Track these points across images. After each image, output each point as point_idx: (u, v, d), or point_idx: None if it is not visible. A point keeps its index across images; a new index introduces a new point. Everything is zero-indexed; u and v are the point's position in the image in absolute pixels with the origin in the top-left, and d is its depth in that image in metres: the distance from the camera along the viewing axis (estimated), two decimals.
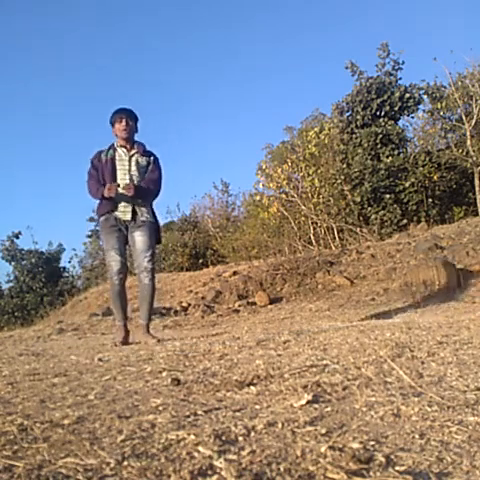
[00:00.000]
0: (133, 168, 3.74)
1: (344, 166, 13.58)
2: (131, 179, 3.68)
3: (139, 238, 3.64)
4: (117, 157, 3.74)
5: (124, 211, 3.67)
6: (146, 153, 3.80)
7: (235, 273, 8.94)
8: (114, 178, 3.67)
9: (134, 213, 3.68)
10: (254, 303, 7.18)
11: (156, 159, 3.83)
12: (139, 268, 3.65)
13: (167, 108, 43.43)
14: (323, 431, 1.08)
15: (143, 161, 3.78)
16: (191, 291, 8.74)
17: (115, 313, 3.79)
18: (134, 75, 46.03)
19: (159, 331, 5.79)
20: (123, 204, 3.66)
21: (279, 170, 14.56)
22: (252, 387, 1.54)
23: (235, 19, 45.07)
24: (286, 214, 14.30)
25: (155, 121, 38.56)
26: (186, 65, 44.39)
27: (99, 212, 3.74)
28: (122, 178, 3.68)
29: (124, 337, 3.63)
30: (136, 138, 3.88)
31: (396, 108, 14.19)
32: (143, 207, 3.71)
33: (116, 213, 3.67)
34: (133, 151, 3.77)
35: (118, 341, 3.56)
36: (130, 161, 3.75)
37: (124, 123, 3.72)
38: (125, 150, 3.76)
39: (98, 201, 3.74)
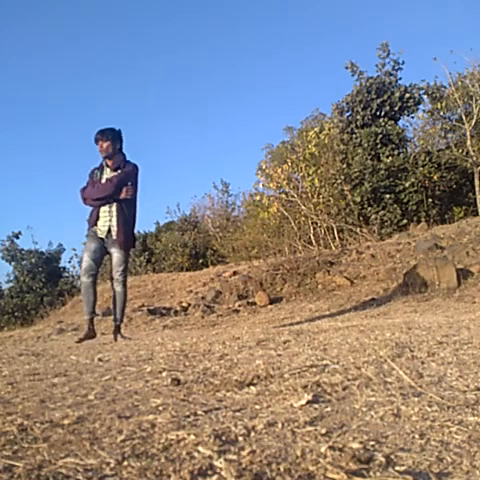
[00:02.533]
0: None
1: (344, 166, 13.58)
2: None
3: (114, 255, 4.29)
4: (104, 175, 4.32)
5: (101, 229, 4.29)
6: (116, 169, 4.31)
7: (235, 273, 8.94)
8: None
9: (108, 232, 4.28)
10: (254, 303, 7.18)
11: (123, 170, 4.31)
12: (113, 279, 4.33)
13: (167, 108, 43.43)
14: (323, 431, 1.08)
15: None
16: (191, 291, 8.74)
17: (84, 307, 4.39)
18: (135, 75, 46.03)
19: (159, 331, 5.80)
20: (101, 223, 4.28)
21: (279, 170, 14.55)
22: (252, 387, 1.54)
23: (236, 18, 45.08)
24: (286, 214, 14.29)
25: (155, 121, 38.57)
26: (186, 64, 44.38)
27: (89, 223, 4.37)
28: None
29: (86, 334, 4.26)
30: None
31: (396, 108, 14.19)
32: (116, 229, 4.24)
33: (96, 228, 4.30)
34: (109, 170, 4.33)
35: (79, 338, 4.26)
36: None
37: (99, 146, 4.28)
38: (108, 169, 4.33)
39: (89, 216, 4.39)
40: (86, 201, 4.33)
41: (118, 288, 4.31)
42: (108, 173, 4.31)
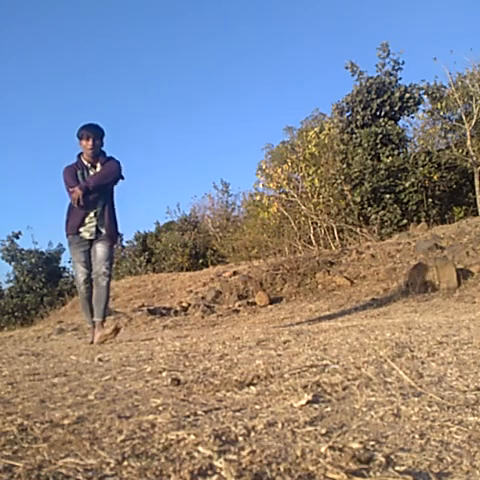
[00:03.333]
0: None
1: (344, 166, 13.58)
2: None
3: (99, 249, 4.08)
4: (91, 173, 4.09)
5: (90, 230, 4.08)
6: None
7: (235, 273, 8.94)
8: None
9: (97, 231, 4.10)
10: (254, 303, 7.18)
11: (108, 164, 4.12)
12: (97, 274, 4.07)
13: (167, 108, 43.44)
14: (323, 431, 1.08)
15: None
16: (191, 291, 8.74)
17: (85, 317, 4.27)
18: (134, 75, 46.02)
19: (159, 331, 5.80)
20: (87, 225, 4.08)
21: (279, 170, 14.55)
22: (252, 387, 1.54)
23: (236, 17, 45.07)
24: (286, 214, 14.29)
25: (155, 121, 38.58)
26: (186, 64, 44.39)
27: (67, 232, 4.15)
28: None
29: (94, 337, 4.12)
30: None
31: (396, 108, 14.18)
32: (104, 224, 4.10)
33: (82, 234, 4.09)
34: (98, 168, 4.09)
35: (92, 341, 4.06)
36: None
37: (91, 142, 3.98)
38: (93, 169, 4.09)
39: (66, 220, 4.16)
40: (79, 202, 3.95)
41: (104, 282, 4.05)
42: (93, 172, 4.08)
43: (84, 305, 4.19)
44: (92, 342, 4.00)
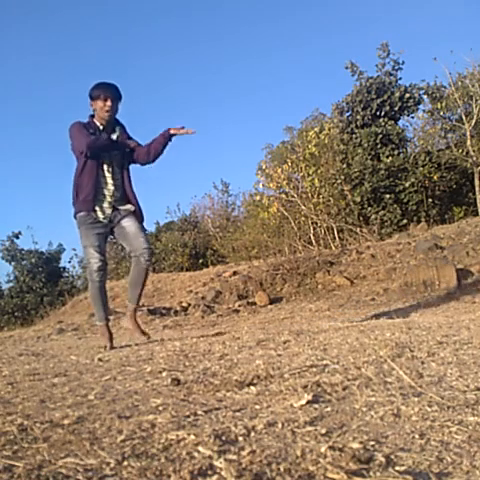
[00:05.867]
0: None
1: (344, 166, 13.58)
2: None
3: (129, 224, 3.39)
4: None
5: (106, 212, 3.39)
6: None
7: (235, 273, 8.94)
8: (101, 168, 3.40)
9: (115, 209, 3.42)
10: (254, 303, 7.18)
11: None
12: (137, 251, 3.36)
13: (167, 108, 43.42)
14: (323, 431, 1.08)
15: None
16: (191, 291, 8.74)
17: (96, 312, 3.53)
18: (134, 75, 46.01)
19: (159, 331, 5.79)
20: (105, 205, 3.38)
21: (279, 170, 14.55)
22: (252, 387, 1.54)
23: (236, 18, 45.07)
24: (286, 214, 14.30)
25: (155, 121, 38.53)
26: (186, 64, 44.39)
27: (77, 208, 3.38)
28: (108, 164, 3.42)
29: (110, 339, 3.43)
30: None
31: (396, 108, 14.18)
32: (123, 201, 3.45)
33: (98, 214, 3.37)
34: (115, 135, 3.43)
35: (108, 346, 3.35)
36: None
37: (109, 103, 3.32)
38: (106, 135, 3.40)
39: (74, 194, 3.40)
40: (91, 149, 3.25)
41: (146, 263, 3.36)
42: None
43: (96, 297, 3.45)
44: (107, 347, 3.35)
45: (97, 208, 3.36)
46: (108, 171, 3.40)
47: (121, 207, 3.42)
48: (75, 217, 3.43)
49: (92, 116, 3.43)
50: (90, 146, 3.25)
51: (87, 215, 3.35)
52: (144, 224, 3.56)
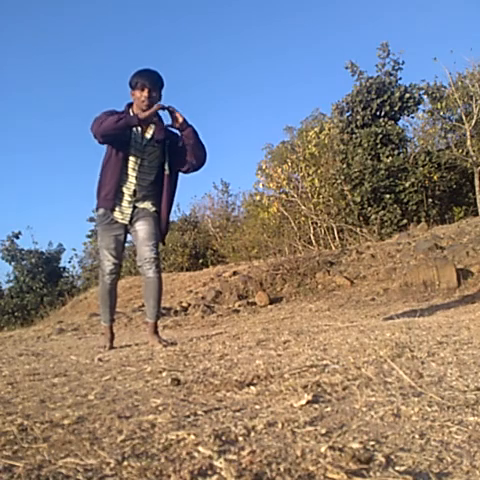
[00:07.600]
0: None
1: (344, 166, 13.58)
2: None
3: (141, 228, 3.20)
4: (132, 136, 3.13)
5: (123, 212, 3.22)
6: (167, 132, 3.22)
7: (235, 273, 8.94)
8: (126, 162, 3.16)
9: (135, 209, 3.25)
10: (254, 303, 7.18)
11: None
12: (140, 261, 3.22)
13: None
14: (323, 431, 1.08)
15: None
16: (191, 291, 8.74)
17: (102, 313, 3.44)
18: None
19: (159, 331, 5.79)
20: (124, 205, 3.20)
21: (279, 170, 14.56)
22: (252, 387, 1.54)
23: (236, 18, 45.08)
24: (286, 214, 14.31)
25: None
26: (186, 64, 44.40)
27: (98, 204, 3.23)
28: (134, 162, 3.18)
29: (111, 340, 3.38)
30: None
31: (396, 108, 14.18)
32: (146, 202, 3.26)
33: (115, 214, 3.22)
34: (151, 131, 3.16)
35: (107, 346, 3.28)
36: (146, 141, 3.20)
37: (146, 94, 3.06)
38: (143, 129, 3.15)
39: (98, 188, 3.24)
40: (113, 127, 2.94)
41: (150, 272, 3.18)
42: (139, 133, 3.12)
43: (105, 299, 3.36)
44: (109, 348, 3.26)
45: (117, 208, 3.21)
46: (133, 169, 3.16)
47: (140, 205, 3.23)
48: (96, 211, 3.29)
49: (129, 105, 3.17)
50: (102, 125, 2.94)
51: (105, 214, 3.21)
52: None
